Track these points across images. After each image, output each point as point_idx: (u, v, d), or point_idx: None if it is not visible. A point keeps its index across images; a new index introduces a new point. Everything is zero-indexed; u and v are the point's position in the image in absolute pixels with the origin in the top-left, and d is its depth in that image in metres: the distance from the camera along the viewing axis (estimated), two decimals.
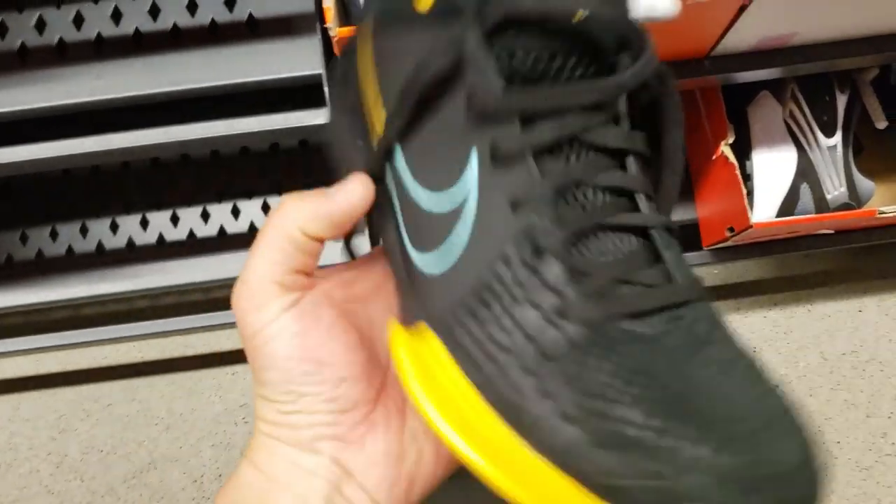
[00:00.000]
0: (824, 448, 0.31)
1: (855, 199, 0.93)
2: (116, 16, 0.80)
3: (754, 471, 0.27)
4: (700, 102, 0.99)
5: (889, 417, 1.11)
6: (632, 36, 0.34)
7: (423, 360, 0.34)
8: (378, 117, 0.38)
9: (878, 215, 0.87)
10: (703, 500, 0.26)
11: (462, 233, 0.34)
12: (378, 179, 0.40)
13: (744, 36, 0.72)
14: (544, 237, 0.32)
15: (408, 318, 0.37)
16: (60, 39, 0.79)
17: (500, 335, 0.32)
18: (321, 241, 0.40)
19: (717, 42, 0.72)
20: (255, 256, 0.39)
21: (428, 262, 0.36)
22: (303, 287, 0.40)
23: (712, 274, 1.19)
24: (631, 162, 0.36)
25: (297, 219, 0.39)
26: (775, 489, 0.27)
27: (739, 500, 0.27)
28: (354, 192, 0.39)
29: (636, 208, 0.35)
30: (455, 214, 0.34)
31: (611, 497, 0.28)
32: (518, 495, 0.30)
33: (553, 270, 0.32)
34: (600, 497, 0.28)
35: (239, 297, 0.39)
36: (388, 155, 0.38)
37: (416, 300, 0.37)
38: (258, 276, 0.38)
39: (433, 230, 0.35)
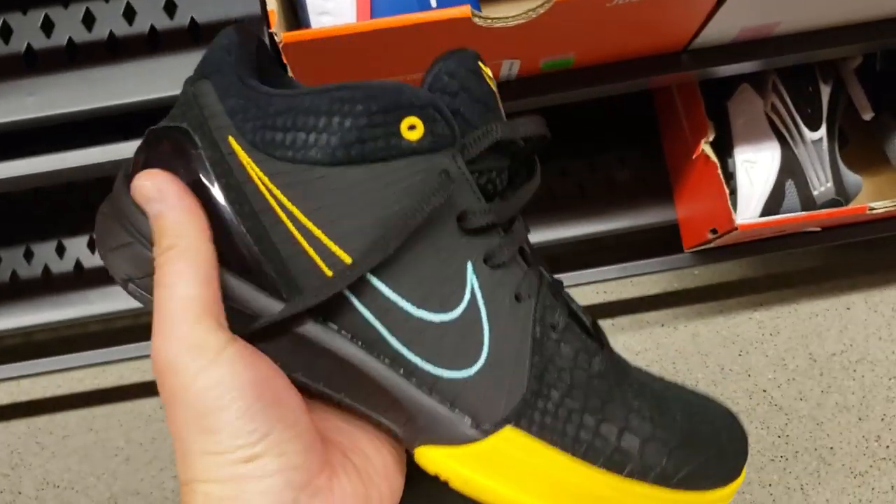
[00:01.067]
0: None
1: (842, 194, 0.90)
2: (48, 26, 0.74)
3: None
4: (677, 99, 0.95)
5: (882, 419, 1.07)
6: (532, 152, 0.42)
7: (508, 463, 0.38)
8: (324, 253, 0.37)
9: (869, 212, 0.83)
10: None
11: (484, 331, 0.38)
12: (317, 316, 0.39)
13: (723, 27, 0.68)
14: (552, 315, 0.40)
15: (452, 433, 0.39)
16: None
17: (569, 401, 0.38)
18: None
19: (696, 35, 0.68)
20: (167, 301, 0.35)
21: (455, 371, 0.38)
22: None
23: (693, 275, 1.15)
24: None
25: (187, 244, 0.36)
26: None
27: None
28: (163, 187, 0.37)
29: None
30: (471, 318, 0.38)
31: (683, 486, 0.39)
32: None
33: (573, 331, 0.41)
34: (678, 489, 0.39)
35: (167, 345, 0.35)
36: (353, 289, 0.38)
37: (461, 409, 0.39)
38: (180, 316, 0.35)
39: (452, 338, 0.38)
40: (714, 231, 0.88)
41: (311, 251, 0.37)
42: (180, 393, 0.34)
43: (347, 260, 0.37)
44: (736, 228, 0.83)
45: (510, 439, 0.38)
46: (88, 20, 0.75)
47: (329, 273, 0.37)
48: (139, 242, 0.38)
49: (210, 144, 0.38)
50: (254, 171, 0.37)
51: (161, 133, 0.39)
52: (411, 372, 0.38)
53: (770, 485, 1.05)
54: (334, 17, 0.62)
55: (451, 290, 0.38)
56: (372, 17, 0.63)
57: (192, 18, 0.75)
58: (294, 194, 0.37)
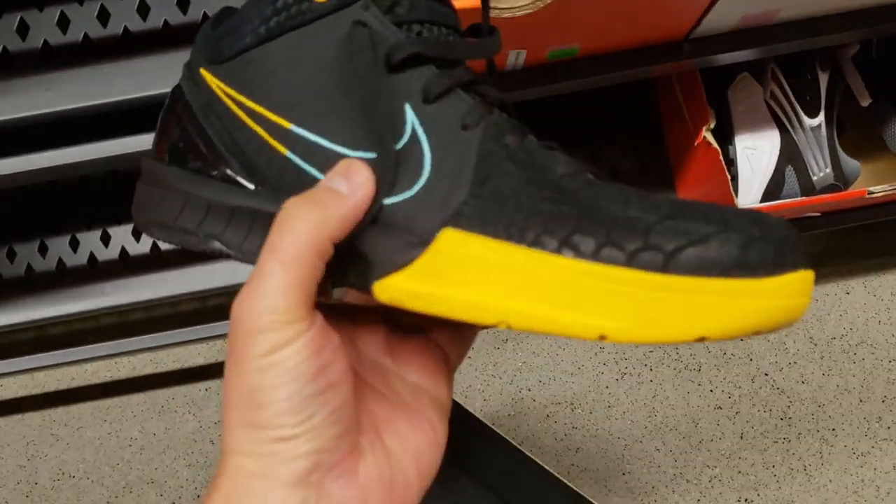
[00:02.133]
0: None
1: (841, 179, 0.91)
2: (63, 22, 0.76)
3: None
4: (678, 87, 0.97)
5: (883, 401, 1.09)
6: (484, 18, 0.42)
7: (454, 266, 0.36)
8: (269, 127, 0.40)
9: (868, 196, 0.85)
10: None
11: (425, 158, 0.38)
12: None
13: (725, 15, 0.69)
14: (507, 137, 0.38)
15: (401, 256, 0.38)
16: (5, 49, 0.75)
17: (520, 197, 0.36)
18: None
19: (697, 23, 0.69)
20: (277, 274, 0.35)
21: (394, 196, 0.38)
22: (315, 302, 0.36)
23: None
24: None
25: (324, 229, 0.36)
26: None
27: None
28: (365, 185, 0.37)
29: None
30: (410, 148, 0.38)
31: (676, 270, 0.32)
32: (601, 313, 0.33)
33: (536, 146, 0.38)
34: (670, 273, 0.32)
35: (254, 314, 0.35)
36: (301, 152, 0.39)
37: (404, 230, 0.38)
38: (282, 296, 0.35)
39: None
40: None
41: (258, 129, 0.39)
42: (245, 361, 0.35)
43: (286, 125, 0.39)
44: None
45: (450, 240, 0.36)
46: (103, 16, 0.76)
47: (276, 144, 0.39)
48: (162, 189, 0.41)
49: (189, 83, 0.41)
50: (213, 82, 0.40)
51: (166, 99, 0.43)
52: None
53: (773, 466, 1.06)
54: None
55: (392, 130, 0.38)
56: None
57: (205, 13, 0.76)
58: (238, 84, 0.40)
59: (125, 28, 0.76)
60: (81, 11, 0.76)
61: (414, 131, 0.38)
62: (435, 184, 0.37)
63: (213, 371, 1.12)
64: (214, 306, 1.12)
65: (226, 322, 0.93)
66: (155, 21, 0.76)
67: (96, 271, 1.01)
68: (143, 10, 0.76)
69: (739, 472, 1.06)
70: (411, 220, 0.37)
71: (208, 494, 0.36)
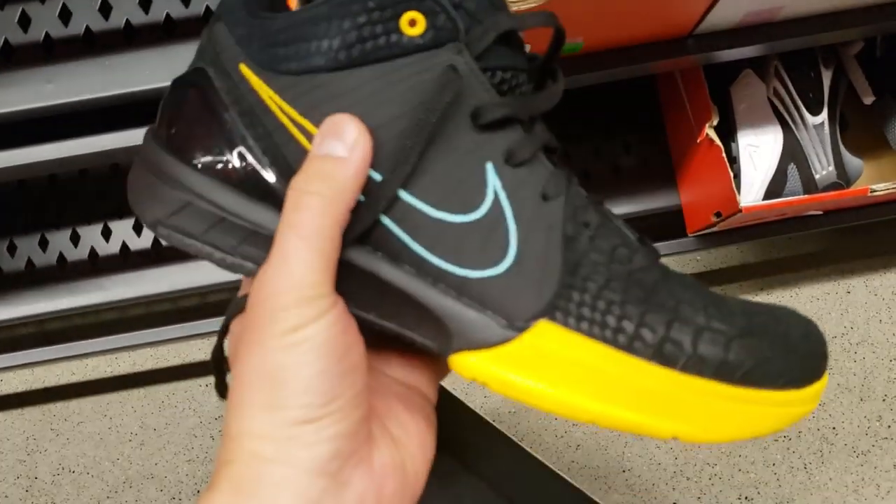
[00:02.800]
0: None
1: (843, 177, 0.91)
2: (65, 15, 0.76)
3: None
4: (681, 84, 0.96)
5: (884, 400, 1.09)
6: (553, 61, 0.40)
7: (545, 359, 0.37)
8: None
9: (871, 194, 0.85)
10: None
11: (510, 230, 0.37)
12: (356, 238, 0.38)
13: (728, 12, 0.69)
14: (584, 214, 0.38)
15: (486, 335, 0.37)
16: (6, 42, 0.75)
17: (608, 293, 0.36)
18: None
19: (701, 19, 0.69)
20: (300, 250, 0.34)
21: (481, 270, 0.37)
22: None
23: (695, 260, 1.17)
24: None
25: (337, 197, 0.35)
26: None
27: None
28: (361, 140, 0.35)
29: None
30: (494, 218, 0.37)
31: (747, 383, 0.36)
32: (686, 426, 0.36)
33: (610, 228, 0.39)
34: (741, 385, 0.36)
35: (280, 291, 0.34)
36: (386, 207, 0.37)
37: (492, 309, 0.38)
38: (308, 271, 0.34)
39: (475, 239, 0.37)
40: (718, 214, 0.90)
41: None
42: (268, 340, 0.34)
43: None
44: (740, 211, 0.84)
45: (546, 334, 0.36)
46: (105, 9, 0.76)
47: None
48: (162, 181, 0.38)
49: (223, 75, 0.37)
50: (264, 90, 0.37)
51: (182, 78, 0.40)
52: (437, 277, 0.37)
53: (774, 464, 1.06)
54: None
55: (472, 191, 0.37)
56: None
57: (207, 6, 0.76)
58: (302, 105, 0.36)
59: (127, 21, 0.76)
60: (83, 4, 0.76)
61: (496, 196, 0.37)
62: (524, 265, 0.37)
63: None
64: (215, 302, 1.12)
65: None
66: (157, 14, 0.76)
67: (97, 266, 1.01)
68: (146, 3, 0.76)
69: (739, 469, 1.06)
70: (501, 300, 0.37)
71: (213, 485, 0.34)
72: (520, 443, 0.87)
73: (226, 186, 0.37)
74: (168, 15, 0.76)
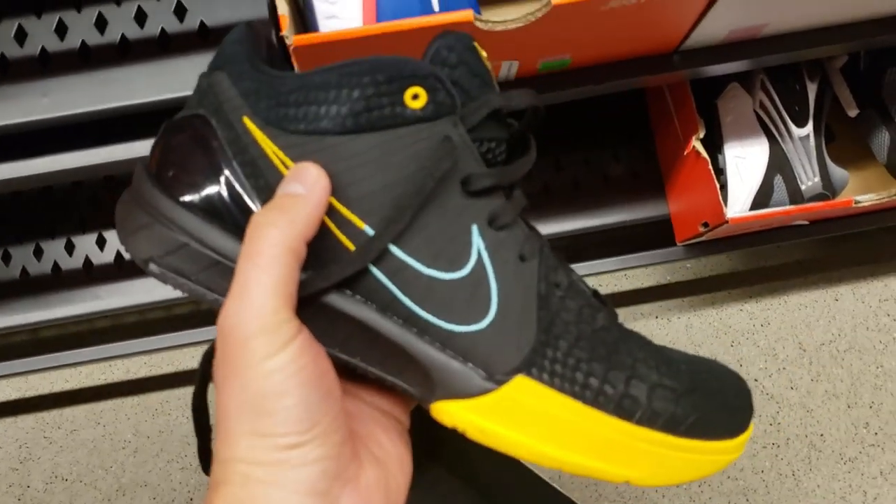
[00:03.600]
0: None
1: (829, 188, 0.92)
2: (61, 29, 0.76)
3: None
4: (668, 97, 0.97)
5: (871, 407, 1.10)
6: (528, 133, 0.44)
7: (521, 411, 0.40)
8: (337, 220, 0.39)
9: (855, 205, 0.86)
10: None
11: (492, 288, 0.40)
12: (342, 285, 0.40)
13: (713, 29, 0.70)
14: (555, 275, 0.42)
15: (467, 386, 0.40)
16: (2, 56, 0.75)
17: (577, 350, 0.40)
18: None
19: (687, 36, 0.70)
20: (259, 277, 0.35)
21: (466, 325, 0.40)
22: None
23: (685, 268, 1.17)
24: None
25: (294, 229, 0.36)
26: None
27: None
28: (320, 181, 0.38)
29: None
30: (478, 276, 0.40)
31: (690, 434, 0.40)
32: (649, 473, 0.40)
33: (577, 289, 0.43)
34: (685, 437, 0.40)
35: (243, 320, 0.35)
36: (376, 259, 0.39)
37: (473, 362, 0.40)
38: (268, 297, 0.35)
39: (461, 295, 0.40)
40: (706, 224, 0.91)
41: (325, 219, 0.38)
42: (243, 370, 0.34)
43: (359, 224, 0.39)
44: (727, 222, 0.85)
45: (522, 388, 0.39)
46: (101, 23, 0.76)
47: (342, 238, 0.39)
48: (159, 222, 0.39)
49: (226, 126, 0.39)
50: (268, 146, 0.39)
51: (178, 122, 0.41)
52: (424, 329, 0.40)
53: (762, 471, 1.07)
54: (342, 20, 0.64)
55: (458, 250, 0.40)
56: (378, 21, 0.65)
57: (202, 22, 0.76)
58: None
59: (122, 35, 0.76)
60: (79, 19, 0.77)
61: (480, 256, 0.40)
62: (504, 321, 0.40)
63: None
64: (208, 310, 1.13)
65: None
66: (152, 29, 0.77)
67: (91, 275, 1.02)
68: (141, 18, 0.77)
69: (728, 477, 1.07)
70: (482, 354, 0.40)
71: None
72: None
73: (224, 232, 0.39)
74: (163, 30, 0.77)
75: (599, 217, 1.04)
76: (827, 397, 1.11)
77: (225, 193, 0.39)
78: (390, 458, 0.41)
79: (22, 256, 1.02)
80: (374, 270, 0.39)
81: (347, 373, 0.43)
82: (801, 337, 1.14)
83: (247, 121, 0.39)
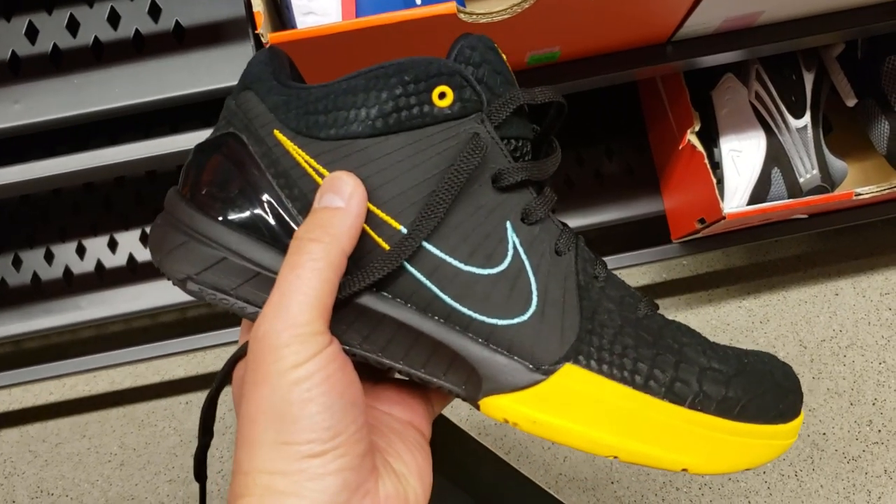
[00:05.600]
0: None
1: (828, 180, 0.90)
2: (32, 33, 0.74)
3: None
4: (662, 90, 0.95)
5: (874, 404, 1.08)
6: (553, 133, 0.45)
7: (571, 400, 0.40)
8: (371, 221, 0.40)
9: (855, 198, 0.84)
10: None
11: (531, 281, 0.41)
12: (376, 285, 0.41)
13: (706, 18, 0.68)
14: (592, 268, 0.43)
15: (515, 379, 0.41)
16: None
17: (622, 337, 0.41)
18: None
19: (680, 26, 0.68)
20: (298, 289, 0.36)
21: (508, 319, 0.40)
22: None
23: (681, 265, 1.15)
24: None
25: (335, 243, 0.38)
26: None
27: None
28: (357, 192, 0.39)
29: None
30: (516, 270, 0.41)
31: (743, 417, 0.40)
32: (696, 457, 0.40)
33: (615, 281, 0.44)
34: (739, 420, 0.40)
35: (277, 329, 0.36)
36: (413, 259, 0.40)
37: (519, 355, 0.41)
38: (304, 309, 0.36)
39: (500, 289, 0.40)
40: (702, 221, 0.89)
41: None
42: (274, 377, 0.35)
43: (395, 224, 0.40)
44: (724, 217, 0.83)
45: (571, 376, 0.40)
46: (73, 26, 0.74)
47: (377, 238, 0.40)
48: (195, 240, 0.40)
49: (257, 140, 0.41)
50: (300, 155, 0.40)
51: (210, 143, 0.43)
52: (467, 326, 0.40)
53: (764, 472, 1.05)
54: (320, 16, 0.62)
55: (494, 246, 0.40)
56: (357, 15, 0.63)
57: (177, 21, 0.74)
58: (339, 169, 0.39)
59: (95, 38, 0.74)
60: (51, 22, 0.75)
61: (516, 251, 0.41)
62: (546, 312, 0.41)
63: (193, 384, 1.10)
64: (194, 317, 1.11)
65: (206, 334, 0.91)
66: (126, 31, 0.75)
67: (72, 285, 1.00)
68: (114, 20, 0.75)
69: (730, 479, 1.05)
70: (528, 346, 0.40)
71: None
72: (506, 457, 0.85)
73: (262, 244, 0.40)
74: (137, 31, 0.74)
75: (593, 215, 1.02)
76: (829, 395, 1.09)
77: (260, 206, 0.40)
78: (410, 471, 0.42)
79: (1, 268, 1.00)
80: (412, 269, 0.40)
81: (370, 384, 0.46)
82: (802, 334, 1.12)
83: (277, 133, 0.40)
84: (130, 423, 1.08)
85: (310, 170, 0.40)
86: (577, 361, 0.40)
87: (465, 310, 0.40)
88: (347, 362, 0.38)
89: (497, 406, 0.41)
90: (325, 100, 0.40)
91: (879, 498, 1.04)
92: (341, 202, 0.38)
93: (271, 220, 0.40)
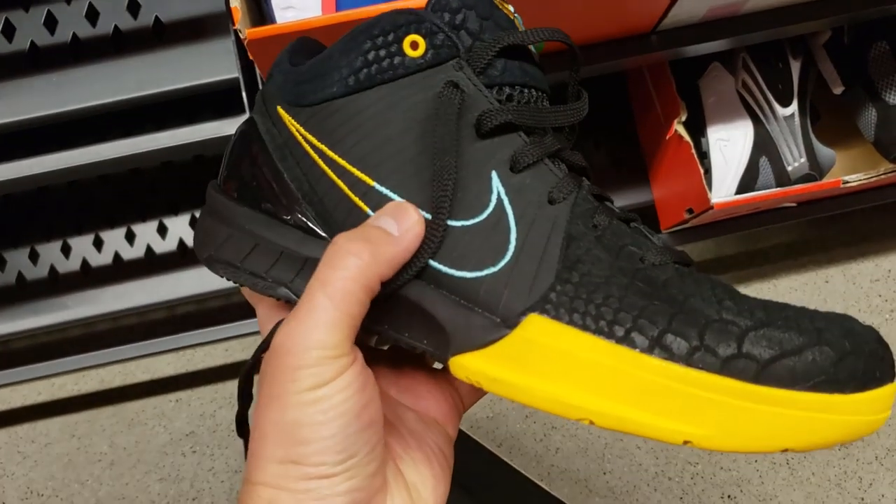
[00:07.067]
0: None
1: (816, 168, 0.90)
2: (9, 30, 0.73)
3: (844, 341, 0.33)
4: (649, 80, 0.95)
5: None
6: (572, 81, 0.43)
7: (535, 355, 0.36)
8: (349, 181, 0.39)
9: (844, 185, 0.83)
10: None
11: (511, 231, 0.37)
12: None
13: (692, 6, 0.67)
14: (593, 217, 0.38)
15: (480, 334, 0.37)
16: None
17: (607, 287, 0.36)
18: None
19: (664, 15, 0.68)
20: (326, 308, 0.35)
21: (479, 271, 0.38)
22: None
23: None
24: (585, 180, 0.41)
25: (374, 267, 0.36)
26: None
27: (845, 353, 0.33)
28: (415, 229, 0.37)
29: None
30: (495, 220, 0.38)
31: (768, 381, 0.33)
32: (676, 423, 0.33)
33: (627, 229, 0.38)
34: (760, 383, 0.33)
35: (300, 348, 0.34)
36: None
37: (488, 307, 0.37)
38: (334, 327, 0.35)
39: (478, 241, 0.38)
40: (690, 211, 0.88)
41: (339, 182, 0.39)
42: (290, 395, 0.34)
43: (367, 181, 0.39)
44: (712, 207, 0.83)
45: (535, 328, 0.36)
46: (51, 23, 0.74)
47: (360, 203, 0.39)
48: (229, 227, 0.41)
49: (265, 119, 0.42)
50: (292, 125, 0.40)
51: (236, 132, 0.44)
52: (438, 281, 0.38)
53: (756, 461, 1.05)
54: (299, 11, 0.62)
55: (477, 197, 0.38)
56: (338, 9, 0.62)
57: (157, 17, 0.74)
58: (320, 133, 0.39)
59: (74, 35, 0.73)
60: (28, 18, 0.74)
61: (500, 200, 0.38)
62: (521, 262, 0.37)
63: (183, 382, 1.10)
64: (183, 314, 1.10)
65: (195, 332, 0.90)
66: (105, 27, 0.74)
67: (58, 283, 0.99)
68: (93, 16, 0.74)
69: (722, 468, 1.05)
70: (495, 299, 0.37)
71: None
72: (497, 449, 0.85)
73: (277, 221, 0.41)
74: (116, 27, 0.74)
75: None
76: None
77: (268, 182, 0.41)
78: (424, 482, 0.41)
79: None
80: None
81: (398, 374, 0.45)
82: None
83: (279, 109, 0.41)
84: (120, 423, 1.08)
85: (300, 138, 0.40)
86: (544, 311, 0.36)
87: (435, 264, 0.38)
88: (368, 379, 0.36)
89: (460, 365, 0.37)
90: (309, 69, 0.40)
91: (870, 485, 1.04)
92: (396, 231, 0.37)
93: (280, 195, 0.41)
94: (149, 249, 0.98)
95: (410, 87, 0.39)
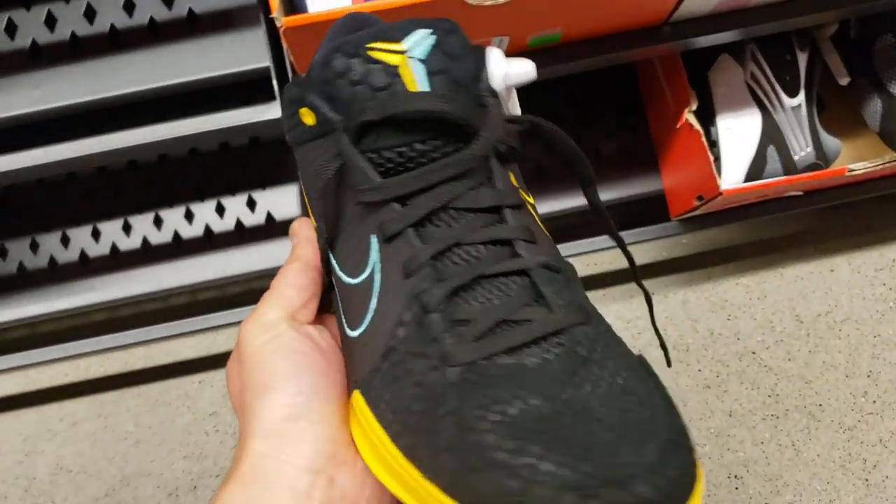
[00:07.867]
0: (692, 452, 0.32)
1: (822, 158, 0.92)
2: (51, 21, 0.76)
3: (593, 479, 0.28)
4: (660, 70, 0.97)
5: (868, 376, 1.10)
6: (472, 117, 0.38)
7: (359, 422, 0.38)
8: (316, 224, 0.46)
9: (848, 173, 0.86)
10: None
11: (372, 300, 0.39)
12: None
13: None
14: (427, 296, 0.36)
15: (350, 385, 0.41)
16: None
17: (406, 390, 0.35)
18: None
19: (677, 6, 0.70)
20: (272, 291, 0.45)
21: (350, 330, 0.41)
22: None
23: (680, 244, 1.18)
24: (507, 214, 0.39)
25: (294, 269, 0.46)
26: (612, 494, 0.28)
27: None
28: (302, 229, 0.48)
29: (515, 254, 0.38)
30: (367, 286, 0.39)
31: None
32: None
33: (435, 323, 0.35)
34: None
35: (248, 322, 0.43)
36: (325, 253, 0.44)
37: (350, 367, 0.41)
38: (271, 303, 0.44)
39: (355, 302, 0.41)
40: (700, 198, 0.91)
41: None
42: (249, 359, 0.41)
43: (313, 222, 0.47)
44: (721, 194, 0.85)
45: (357, 403, 0.39)
46: (90, 14, 0.77)
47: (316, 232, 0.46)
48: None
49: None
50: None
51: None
52: (340, 318, 0.43)
53: (762, 442, 1.08)
54: (330, 0, 0.64)
55: (361, 258, 0.40)
56: None
57: (190, 9, 0.77)
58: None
59: (112, 25, 0.76)
60: (68, 9, 0.77)
61: (373, 267, 0.40)
62: (368, 334, 0.39)
63: (204, 364, 1.13)
64: (205, 300, 1.13)
65: (217, 314, 0.93)
66: (141, 17, 0.77)
67: (87, 267, 1.02)
68: (129, 7, 0.77)
69: (729, 449, 1.08)
70: (354, 361, 0.41)
71: (227, 478, 0.39)
72: None
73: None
74: (152, 18, 0.77)
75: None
76: (825, 368, 1.11)
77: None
78: None
79: (18, 251, 1.03)
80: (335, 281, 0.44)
81: None
82: (798, 309, 1.14)
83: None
84: (145, 403, 1.11)
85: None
86: (363, 390, 0.38)
87: (339, 312, 0.43)
88: (308, 341, 0.42)
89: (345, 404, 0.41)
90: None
91: (875, 466, 1.06)
92: (294, 239, 0.48)
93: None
94: (176, 235, 1.01)
95: (312, 153, 0.43)
